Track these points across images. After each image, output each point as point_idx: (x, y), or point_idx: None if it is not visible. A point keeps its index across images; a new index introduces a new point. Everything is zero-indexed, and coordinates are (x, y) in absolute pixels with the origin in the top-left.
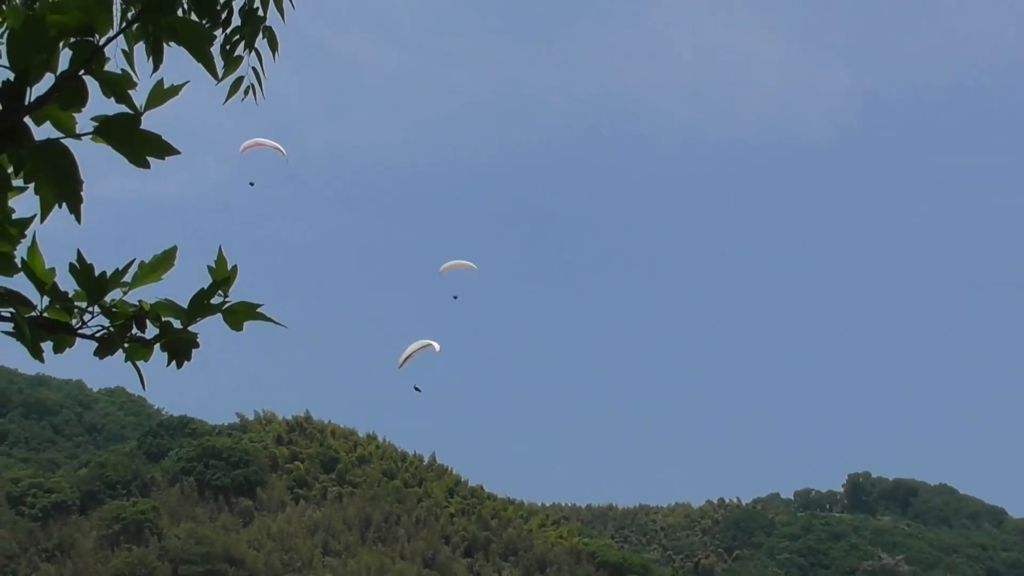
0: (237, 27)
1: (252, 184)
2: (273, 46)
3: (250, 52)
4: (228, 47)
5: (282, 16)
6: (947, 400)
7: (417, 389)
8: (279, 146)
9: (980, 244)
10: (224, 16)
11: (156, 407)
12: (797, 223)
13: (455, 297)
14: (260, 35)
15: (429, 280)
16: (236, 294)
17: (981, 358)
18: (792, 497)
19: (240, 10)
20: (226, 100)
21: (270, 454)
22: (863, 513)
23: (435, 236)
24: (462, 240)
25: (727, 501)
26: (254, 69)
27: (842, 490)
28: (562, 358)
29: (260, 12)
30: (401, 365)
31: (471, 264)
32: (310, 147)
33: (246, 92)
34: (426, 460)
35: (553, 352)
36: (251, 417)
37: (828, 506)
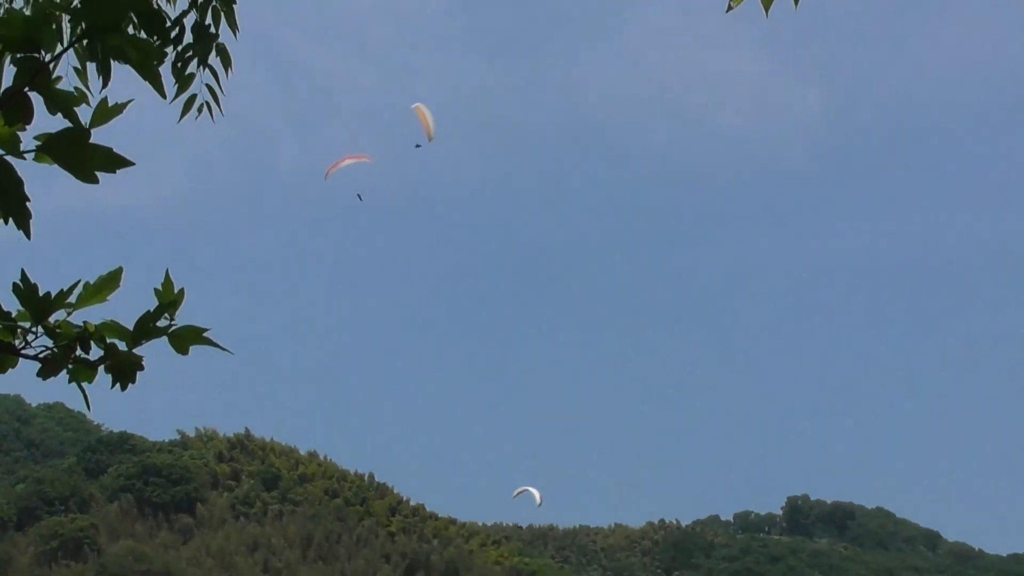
0: (189, 44)
1: (360, 197)
2: (226, 63)
3: (204, 69)
4: (180, 65)
5: (234, 32)
6: (885, 424)
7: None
8: (365, 158)
9: (938, 265)
10: (175, 34)
11: (96, 423)
12: (759, 244)
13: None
14: (213, 52)
15: (378, 298)
16: (186, 310)
17: (922, 383)
18: (731, 519)
19: (192, 27)
20: (180, 119)
21: (211, 471)
22: (801, 536)
23: (394, 254)
24: (421, 256)
25: (667, 522)
26: (209, 87)
27: (781, 513)
28: (503, 379)
29: (212, 29)
30: (514, 497)
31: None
32: (276, 160)
33: (200, 110)
34: (367, 479)
35: (494, 373)
36: (192, 434)
37: (767, 528)
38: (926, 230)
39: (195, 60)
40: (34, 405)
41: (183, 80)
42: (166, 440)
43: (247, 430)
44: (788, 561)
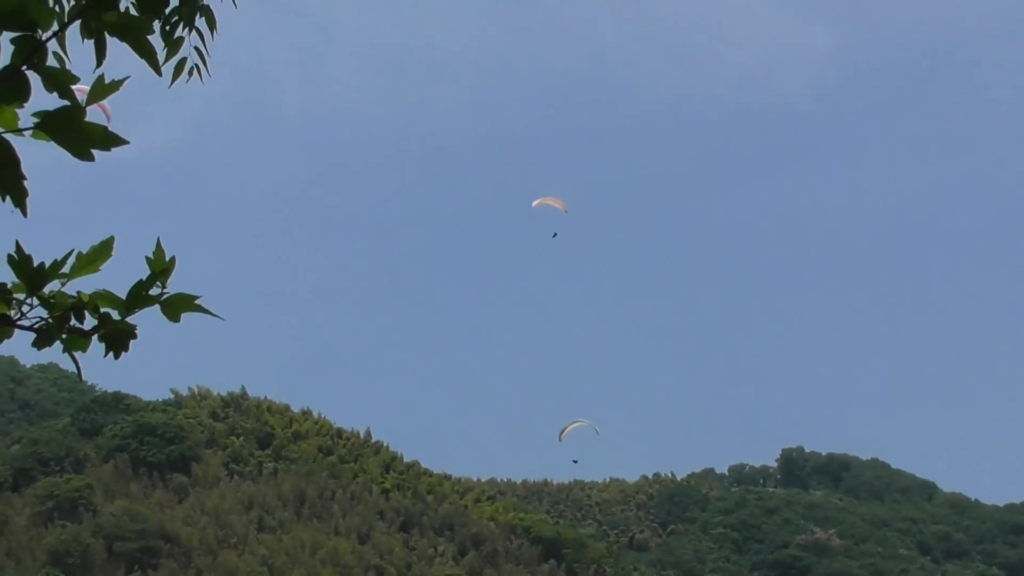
0: (176, 7)
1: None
2: (211, 25)
3: (190, 32)
4: (168, 28)
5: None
6: (880, 375)
7: (575, 462)
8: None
9: (939, 212)
10: None
11: (90, 383)
12: (760, 188)
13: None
14: (198, 14)
15: (374, 253)
16: (183, 264)
17: (918, 332)
18: (726, 472)
19: None
20: (171, 83)
21: (205, 430)
22: (796, 488)
23: (393, 206)
24: (420, 208)
25: (662, 476)
26: (197, 49)
27: (776, 465)
28: (498, 334)
29: None
30: (561, 438)
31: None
32: (282, 107)
33: (190, 73)
34: (362, 436)
35: (489, 328)
36: (186, 393)
37: (762, 481)
38: (935, 174)
39: (182, 23)
40: (28, 366)
41: (172, 44)
42: (160, 399)
43: (243, 388)
44: (783, 513)
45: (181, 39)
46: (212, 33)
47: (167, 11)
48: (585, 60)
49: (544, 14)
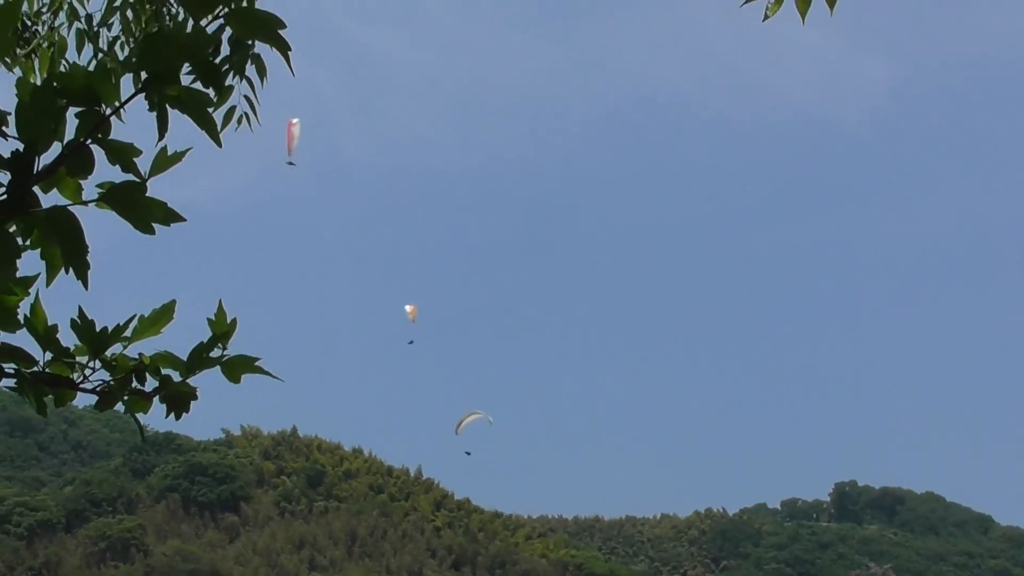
0: (226, 56)
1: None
2: (262, 73)
3: (240, 80)
4: None
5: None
6: (934, 407)
7: (467, 453)
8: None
9: (999, 246)
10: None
11: (141, 423)
12: (815, 221)
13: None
14: (249, 62)
15: (426, 291)
16: (243, 312)
17: (971, 364)
18: (779, 507)
19: (228, 39)
20: (220, 131)
21: (256, 469)
22: (850, 522)
23: (453, 241)
24: (474, 244)
25: (714, 511)
26: (247, 98)
27: (829, 499)
28: (547, 369)
29: (248, 41)
30: (458, 431)
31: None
32: (341, 146)
33: (239, 121)
34: (412, 474)
35: (538, 363)
36: (237, 432)
37: (815, 515)
38: (992, 204)
39: (232, 72)
40: (81, 407)
41: (222, 93)
42: (211, 439)
43: (293, 427)
44: (837, 548)
45: (231, 88)
46: (262, 81)
47: (218, 59)
48: (638, 94)
49: (597, 49)
